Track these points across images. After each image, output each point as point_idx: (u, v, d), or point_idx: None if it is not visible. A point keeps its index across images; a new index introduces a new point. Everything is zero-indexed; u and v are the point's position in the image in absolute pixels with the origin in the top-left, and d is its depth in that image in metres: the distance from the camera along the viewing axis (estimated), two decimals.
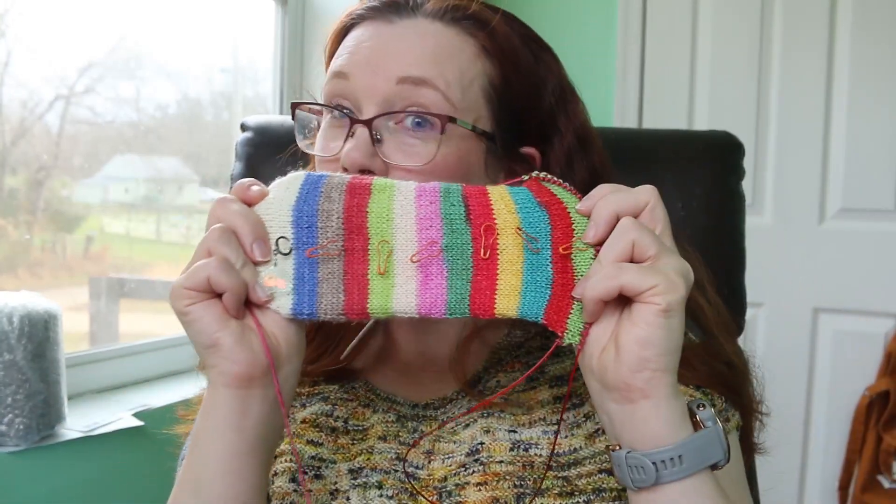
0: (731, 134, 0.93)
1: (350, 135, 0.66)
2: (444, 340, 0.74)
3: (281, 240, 0.55)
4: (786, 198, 2.05)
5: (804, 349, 2.04)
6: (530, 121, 0.71)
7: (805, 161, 2.02)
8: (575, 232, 0.54)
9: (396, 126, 0.66)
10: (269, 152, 0.96)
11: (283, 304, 0.55)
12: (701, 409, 0.54)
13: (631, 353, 0.51)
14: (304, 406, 0.73)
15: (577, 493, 0.61)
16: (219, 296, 0.54)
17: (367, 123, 0.65)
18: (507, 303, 0.54)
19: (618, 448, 0.54)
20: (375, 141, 0.65)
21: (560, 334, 0.53)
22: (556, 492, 0.62)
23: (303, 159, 0.81)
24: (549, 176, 0.57)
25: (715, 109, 2.10)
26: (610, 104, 2.15)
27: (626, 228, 0.53)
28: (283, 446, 0.69)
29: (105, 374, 1.45)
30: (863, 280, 1.99)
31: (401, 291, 0.55)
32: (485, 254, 0.54)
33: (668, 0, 2.14)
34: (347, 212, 0.56)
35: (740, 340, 0.85)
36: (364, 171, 0.64)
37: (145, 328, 1.72)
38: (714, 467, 0.53)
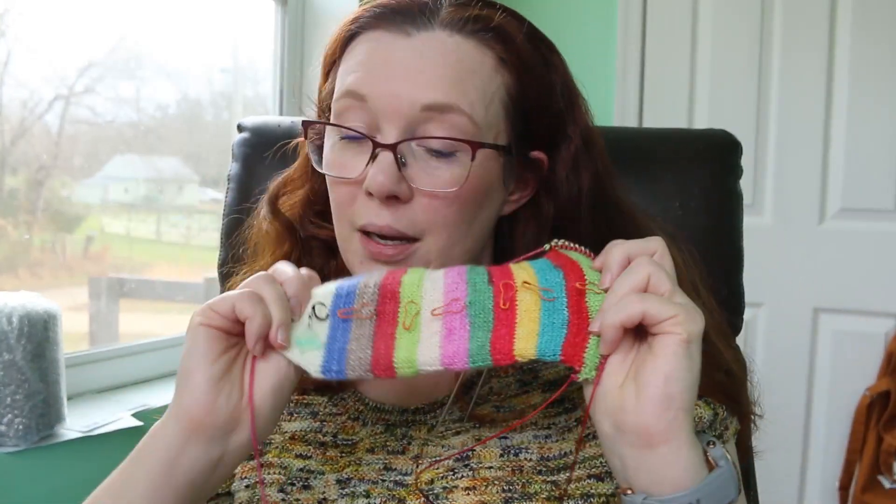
0: (729, 133, 0.93)
1: (372, 158, 0.63)
2: None
3: (318, 305, 0.58)
4: (786, 198, 2.05)
5: (804, 349, 2.04)
6: (541, 125, 0.69)
7: (805, 161, 2.02)
8: (587, 279, 0.56)
9: (419, 149, 0.64)
10: (265, 153, 0.96)
11: (313, 360, 0.56)
12: (711, 446, 0.53)
13: (654, 389, 0.50)
14: (290, 415, 0.73)
15: (565, 498, 0.61)
16: (236, 339, 0.55)
17: (393, 147, 0.63)
18: (525, 345, 0.54)
19: (630, 492, 0.52)
20: (401, 165, 0.63)
21: (577, 368, 0.53)
22: (544, 496, 0.61)
23: (292, 158, 0.80)
24: (566, 243, 0.59)
25: (715, 109, 2.10)
26: (610, 104, 2.15)
27: (641, 263, 0.54)
28: (272, 458, 0.69)
29: (104, 374, 1.45)
30: (863, 280, 1.98)
31: (425, 346, 0.55)
32: (504, 304, 0.56)
33: (668, 0, 2.14)
34: (384, 281, 0.58)
35: (740, 341, 0.85)
36: (391, 196, 0.63)
37: (145, 328, 1.72)
38: None
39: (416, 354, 0.55)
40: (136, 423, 1.27)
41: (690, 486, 0.50)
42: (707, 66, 2.11)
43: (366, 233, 0.65)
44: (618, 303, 0.52)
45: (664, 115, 2.14)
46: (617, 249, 0.55)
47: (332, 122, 0.67)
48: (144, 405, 1.35)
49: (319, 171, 0.69)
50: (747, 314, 0.94)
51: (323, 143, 0.70)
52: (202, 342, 0.54)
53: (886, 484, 1.86)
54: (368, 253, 0.65)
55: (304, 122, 0.70)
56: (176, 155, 1.82)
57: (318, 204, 0.75)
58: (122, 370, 1.48)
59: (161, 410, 0.57)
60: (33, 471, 1.14)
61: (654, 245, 0.55)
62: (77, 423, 1.22)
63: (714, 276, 0.76)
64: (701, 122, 2.12)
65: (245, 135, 0.99)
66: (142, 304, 1.73)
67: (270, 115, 1.80)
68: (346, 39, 0.69)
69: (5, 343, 1.10)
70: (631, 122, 2.16)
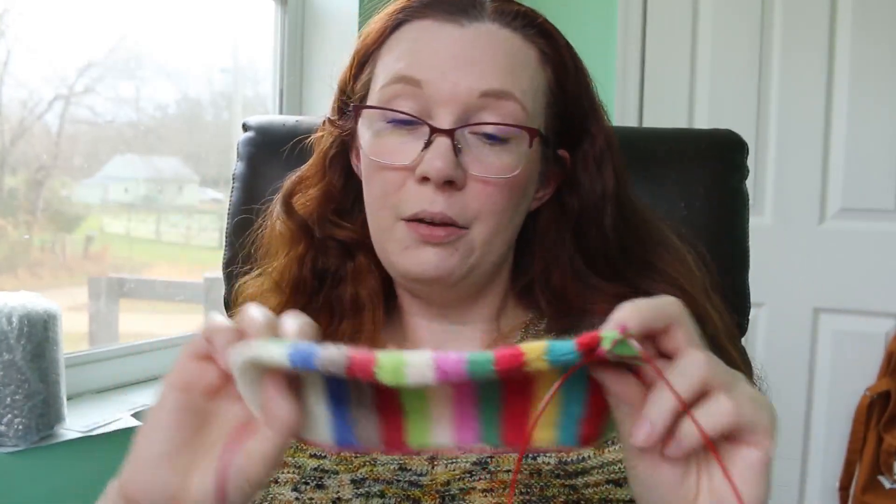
0: (734, 132, 0.93)
1: (427, 144, 0.64)
2: (466, 348, 0.73)
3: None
4: (786, 198, 2.05)
5: (804, 349, 2.04)
6: (571, 123, 0.71)
7: (805, 161, 2.02)
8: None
9: (473, 136, 0.65)
10: (270, 152, 0.96)
11: (277, 350, 0.42)
12: None
13: None
14: None
15: (582, 502, 0.61)
16: (204, 418, 0.47)
17: (450, 133, 0.64)
18: (541, 436, 0.44)
19: None
20: (456, 151, 0.64)
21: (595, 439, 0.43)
22: (562, 500, 0.61)
23: (298, 157, 0.80)
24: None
25: (715, 109, 2.10)
26: (610, 104, 2.11)
27: (694, 357, 0.41)
28: (286, 458, 0.68)
29: (104, 374, 1.44)
30: (863, 280, 1.98)
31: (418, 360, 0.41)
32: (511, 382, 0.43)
33: (668, 0, 2.14)
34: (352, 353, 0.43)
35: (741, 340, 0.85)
36: (447, 182, 0.63)
37: (145, 328, 1.72)
38: None
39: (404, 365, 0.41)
40: (136, 423, 1.27)
41: None
42: (707, 66, 2.11)
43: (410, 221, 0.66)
44: (705, 405, 0.40)
45: (664, 115, 2.14)
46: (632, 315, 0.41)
47: (384, 107, 0.67)
48: (144, 405, 1.35)
49: (373, 158, 0.67)
50: None
51: (347, 137, 0.71)
52: (158, 408, 0.47)
53: (887, 484, 1.86)
54: (418, 236, 0.65)
55: (355, 106, 0.70)
56: (176, 155, 1.81)
57: (334, 202, 0.75)
58: (122, 370, 1.48)
59: None
60: (33, 471, 1.14)
61: (674, 310, 0.42)
62: (77, 423, 1.22)
63: (719, 276, 0.76)
64: (701, 122, 2.12)
65: (250, 134, 0.99)
66: (141, 304, 1.73)
67: (275, 115, 1.80)
68: (392, 28, 0.69)
69: (5, 343, 1.09)
70: (631, 122, 2.16)
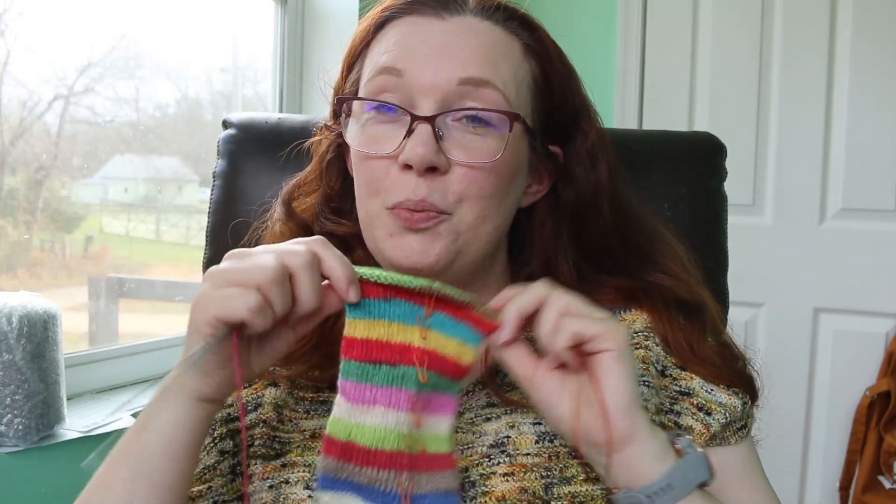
0: (713, 135, 0.94)
1: (409, 132, 0.65)
2: None
3: None
4: (786, 198, 2.05)
5: (804, 349, 2.04)
6: (560, 118, 0.73)
7: (805, 161, 2.02)
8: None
9: (455, 123, 0.66)
10: (252, 149, 0.96)
11: None
12: (679, 438, 0.59)
13: (608, 406, 0.55)
14: (307, 413, 0.72)
15: (601, 479, 0.62)
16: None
17: (431, 120, 0.65)
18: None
19: (616, 491, 0.58)
20: (438, 138, 0.65)
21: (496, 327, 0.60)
22: (581, 478, 0.63)
23: (307, 157, 0.80)
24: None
25: (715, 110, 2.10)
26: (610, 105, 2.14)
27: (554, 296, 0.58)
28: (295, 458, 0.68)
29: (104, 374, 1.45)
30: (863, 280, 1.98)
31: None
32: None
33: (668, 1, 2.13)
34: None
35: (740, 341, 0.86)
36: (430, 168, 0.65)
37: (145, 328, 1.72)
38: (703, 485, 0.57)
39: None
40: None
41: (660, 474, 0.56)
42: (707, 67, 2.11)
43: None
44: (556, 329, 0.57)
45: (664, 116, 2.14)
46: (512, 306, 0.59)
47: (365, 98, 0.69)
48: (144, 405, 1.35)
49: (355, 148, 0.69)
50: (747, 314, 0.94)
51: (342, 140, 0.72)
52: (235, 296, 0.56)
53: (887, 484, 1.86)
54: (402, 222, 0.66)
55: (339, 98, 0.72)
56: (175, 155, 1.81)
57: (333, 202, 0.77)
58: (122, 370, 1.48)
59: None
60: (33, 471, 1.14)
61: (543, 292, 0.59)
62: (77, 423, 1.22)
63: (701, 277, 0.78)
64: (701, 123, 2.12)
65: (231, 131, 0.98)
66: (141, 304, 1.73)
67: (258, 112, 1.79)
68: (377, 27, 0.71)
69: (5, 343, 1.09)
70: (631, 123, 2.16)
